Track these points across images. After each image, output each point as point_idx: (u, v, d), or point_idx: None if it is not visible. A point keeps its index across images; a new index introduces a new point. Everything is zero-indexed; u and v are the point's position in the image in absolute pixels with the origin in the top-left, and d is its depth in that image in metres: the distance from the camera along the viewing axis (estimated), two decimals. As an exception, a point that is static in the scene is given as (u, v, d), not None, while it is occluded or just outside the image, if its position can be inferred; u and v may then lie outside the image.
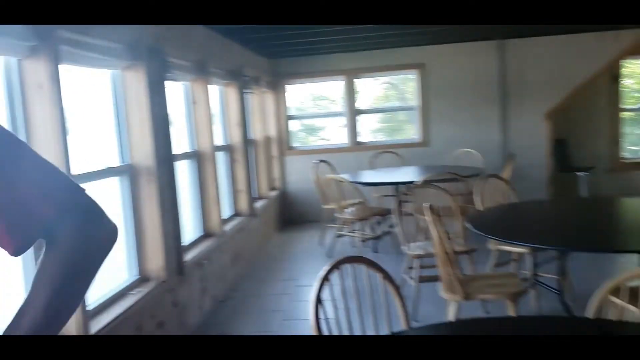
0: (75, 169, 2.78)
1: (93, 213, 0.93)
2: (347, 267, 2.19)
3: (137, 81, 3.50)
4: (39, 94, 2.53)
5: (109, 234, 0.95)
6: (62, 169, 2.57)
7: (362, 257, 2.28)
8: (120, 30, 3.23)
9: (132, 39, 3.36)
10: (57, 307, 0.89)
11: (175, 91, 4.46)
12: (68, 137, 2.62)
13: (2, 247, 0.88)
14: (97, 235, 0.93)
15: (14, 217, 0.87)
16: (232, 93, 5.69)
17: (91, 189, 3.22)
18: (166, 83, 3.82)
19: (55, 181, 0.92)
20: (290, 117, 7.90)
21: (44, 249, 0.89)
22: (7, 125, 2.50)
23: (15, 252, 0.88)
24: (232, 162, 5.65)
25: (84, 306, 2.66)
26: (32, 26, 2.42)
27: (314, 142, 8.58)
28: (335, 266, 2.12)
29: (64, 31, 2.65)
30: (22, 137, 2.52)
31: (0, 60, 2.47)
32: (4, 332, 0.87)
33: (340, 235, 5.90)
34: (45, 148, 2.54)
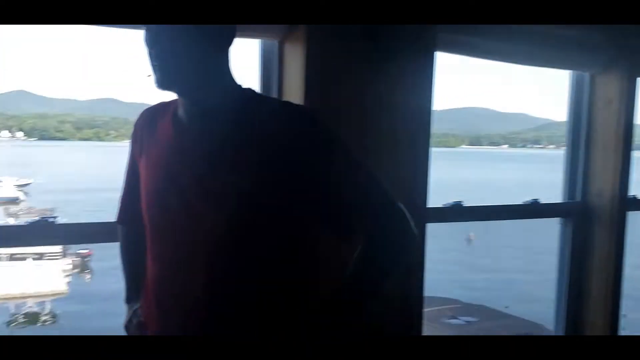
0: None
1: (405, 221, 1.10)
2: None
3: None
4: (606, 109, 2.41)
5: (413, 241, 1.13)
6: (621, 184, 2.37)
7: None
8: None
9: None
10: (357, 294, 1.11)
11: None
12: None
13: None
14: (406, 240, 1.11)
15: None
16: None
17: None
18: None
19: (382, 189, 1.11)
20: None
21: (361, 243, 1.09)
22: (569, 138, 2.53)
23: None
24: None
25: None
26: (614, 39, 2.31)
27: None
28: None
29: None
30: (581, 148, 2.48)
31: (570, 76, 2.49)
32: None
33: None
34: (602, 163, 2.42)
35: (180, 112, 1.13)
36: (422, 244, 1.93)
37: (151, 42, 1.04)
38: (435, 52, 1.92)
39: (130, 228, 1.32)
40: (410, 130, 1.89)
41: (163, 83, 1.05)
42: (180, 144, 1.12)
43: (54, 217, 1.61)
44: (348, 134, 1.71)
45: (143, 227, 1.18)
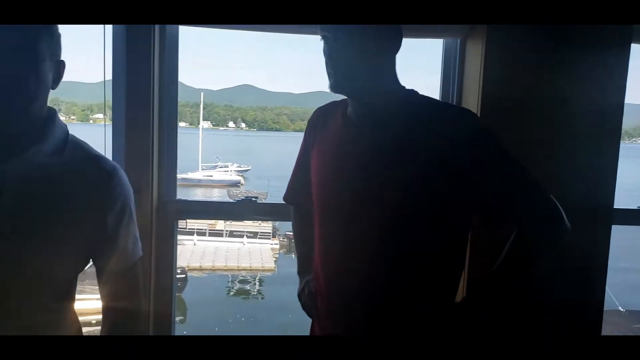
0: None
1: (558, 215, 1.18)
2: None
3: None
4: None
5: (563, 235, 1.18)
6: None
7: None
8: None
9: None
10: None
11: None
12: None
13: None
14: (557, 231, 1.18)
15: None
16: None
17: None
18: None
19: (537, 184, 1.19)
20: None
21: (514, 233, 1.19)
22: None
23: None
24: None
25: None
26: None
27: None
28: None
29: None
30: None
31: None
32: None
33: None
34: None
35: (350, 110, 1.29)
36: (606, 246, 1.84)
37: (328, 53, 1.21)
38: (630, 45, 1.80)
39: (300, 207, 1.51)
40: (597, 129, 1.81)
41: (337, 88, 1.22)
42: (349, 138, 1.27)
43: (255, 197, 1.90)
44: (522, 130, 1.74)
45: (312, 207, 1.35)
